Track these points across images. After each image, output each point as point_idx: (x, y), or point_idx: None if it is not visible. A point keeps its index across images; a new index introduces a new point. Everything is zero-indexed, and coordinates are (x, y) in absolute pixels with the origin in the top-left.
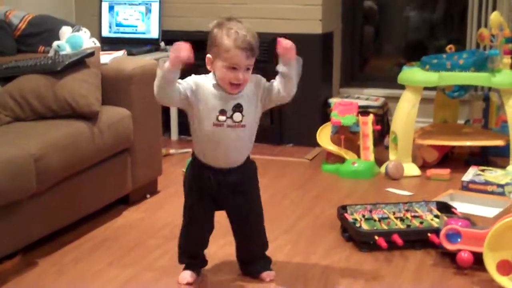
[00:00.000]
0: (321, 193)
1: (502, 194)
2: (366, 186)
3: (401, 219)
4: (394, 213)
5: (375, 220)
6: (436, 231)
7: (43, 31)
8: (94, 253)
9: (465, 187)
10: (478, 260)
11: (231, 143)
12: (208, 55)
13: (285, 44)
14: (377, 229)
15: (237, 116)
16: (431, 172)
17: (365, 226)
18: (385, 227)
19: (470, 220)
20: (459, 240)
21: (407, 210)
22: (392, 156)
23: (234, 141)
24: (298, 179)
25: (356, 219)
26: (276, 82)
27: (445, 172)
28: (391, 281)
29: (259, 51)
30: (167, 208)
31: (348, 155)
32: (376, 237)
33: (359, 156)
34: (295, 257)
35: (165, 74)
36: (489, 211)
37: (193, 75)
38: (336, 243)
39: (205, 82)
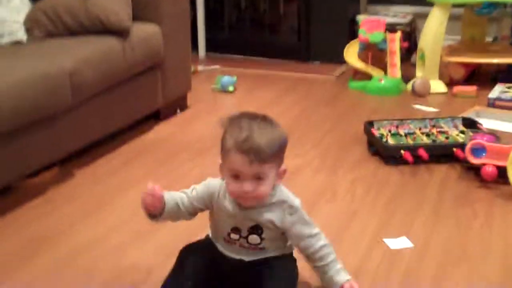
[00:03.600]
0: (348, 109)
1: None
2: (393, 103)
3: (427, 135)
4: (420, 129)
5: (401, 135)
6: (462, 146)
7: None
8: (127, 165)
9: (491, 104)
10: (502, 174)
11: (247, 258)
12: (219, 161)
13: None
14: (403, 143)
15: (253, 238)
16: (458, 89)
17: (391, 141)
18: (411, 142)
19: (495, 135)
20: (484, 154)
21: (433, 126)
22: (419, 73)
23: (251, 258)
24: (325, 96)
25: (382, 134)
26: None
27: (471, 89)
28: (417, 193)
29: (275, 156)
30: (197, 123)
31: (375, 72)
32: (402, 151)
33: (386, 73)
34: (323, 171)
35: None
36: None
37: (208, 179)
38: (362, 158)
39: (217, 190)
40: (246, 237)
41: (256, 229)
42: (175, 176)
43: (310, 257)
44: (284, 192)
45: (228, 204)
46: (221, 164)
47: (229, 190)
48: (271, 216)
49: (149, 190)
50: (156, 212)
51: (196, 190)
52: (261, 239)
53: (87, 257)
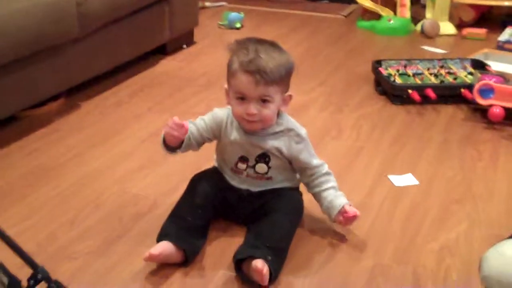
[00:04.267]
0: (356, 48)
1: None
2: (401, 43)
3: (435, 75)
4: (428, 69)
5: (409, 75)
6: (470, 87)
7: None
8: (133, 98)
9: (501, 46)
10: (509, 116)
11: (254, 189)
12: (225, 86)
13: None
14: (411, 83)
15: (261, 167)
16: (467, 31)
17: (399, 81)
18: (419, 82)
19: (504, 77)
20: (491, 95)
21: (441, 67)
22: (428, 14)
23: (258, 188)
24: (333, 35)
25: (390, 74)
26: (311, 173)
27: (481, 31)
28: (423, 132)
29: (280, 79)
30: (203, 58)
31: (384, 12)
32: (410, 91)
33: (395, 13)
34: (329, 108)
35: (165, 150)
36: None
37: (215, 109)
38: (369, 96)
39: (225, 119)
40: (254, 166)
41: (264, 157)
42: (181, 110)
43: (312, 184)
44: (291, 121)
45: (235, 132)
46: (227, 88)
47: (234, 113)
48: (278, 143)
49: (177, 123)
50: (177, 145)
51: (204, 120)
52: (268, 167)
53: (92, 187)
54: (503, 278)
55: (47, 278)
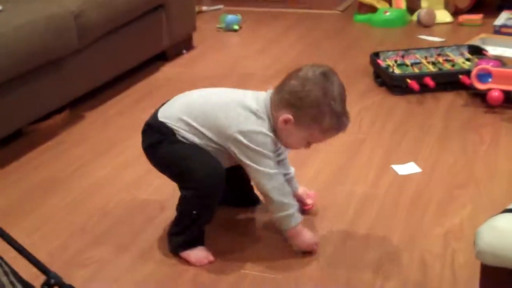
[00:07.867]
0: (354, 42)
1: None
2: (398, 34)
3: (433, 64)
4: (426, 58)
5: (407, 65)
6: (468, 73)
7: None
8: (137, 105)
9: (497, 31)
10: (508, 98)
11: None
12: (289, 116)
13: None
14: (409, 72)
15: None
16: (463, 17)
17: (397, 71)
18: (417, 71)
19: (501, 61)
20: (489, 79)
21: (439, 55)
22: (424, 3)
23: None
24: (331, 30)
25: (388, 65)
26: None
27: (477, 17)
28: (424, 120)
29: None
30: (204, 62)
31: (380, 4)
32: (409, 80)
33: (391, 5)
34: None
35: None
36: None
37: (263, 138)
38: (369, 89)
39: (271, 138)
40: None
41: None
42: None
43: None
44: None
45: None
46: (292, 120)
47: (292, 144)
48: None
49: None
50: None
51: (268, 148)
52: None
53: (100, 196)
54: (497, 251)
55: (60, 283)
